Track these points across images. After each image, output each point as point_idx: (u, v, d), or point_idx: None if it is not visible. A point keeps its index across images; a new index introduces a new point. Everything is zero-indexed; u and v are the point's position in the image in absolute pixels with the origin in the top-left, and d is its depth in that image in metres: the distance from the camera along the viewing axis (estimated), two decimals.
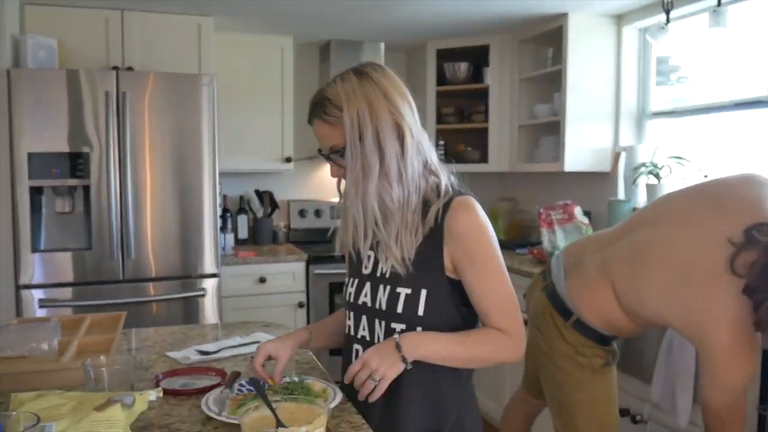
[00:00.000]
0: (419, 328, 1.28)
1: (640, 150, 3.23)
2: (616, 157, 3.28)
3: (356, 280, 1.40)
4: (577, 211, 3.01)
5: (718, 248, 1.50)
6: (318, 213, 4.05)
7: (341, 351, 1.47)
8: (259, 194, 3.93)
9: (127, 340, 1.85)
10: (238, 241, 3.81)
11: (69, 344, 1.53)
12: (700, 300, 1.53)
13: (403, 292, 1.29)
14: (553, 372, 1.90)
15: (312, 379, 1.39)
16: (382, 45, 3.90)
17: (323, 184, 4.14)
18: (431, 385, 1.32)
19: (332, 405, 1.26)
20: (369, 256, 1.38)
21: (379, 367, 1.21)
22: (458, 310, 1.30)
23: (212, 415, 1.21)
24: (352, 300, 1.40)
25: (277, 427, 1.04)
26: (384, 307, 1.32)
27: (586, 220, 2.96)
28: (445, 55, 3.89)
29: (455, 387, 1.34)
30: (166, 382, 1.43)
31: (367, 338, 1.36)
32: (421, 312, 1.28)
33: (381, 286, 1.33)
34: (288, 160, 3.73)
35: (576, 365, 1.85)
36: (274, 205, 3.94)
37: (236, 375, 1.42)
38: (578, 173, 3.47)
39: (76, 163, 2.90)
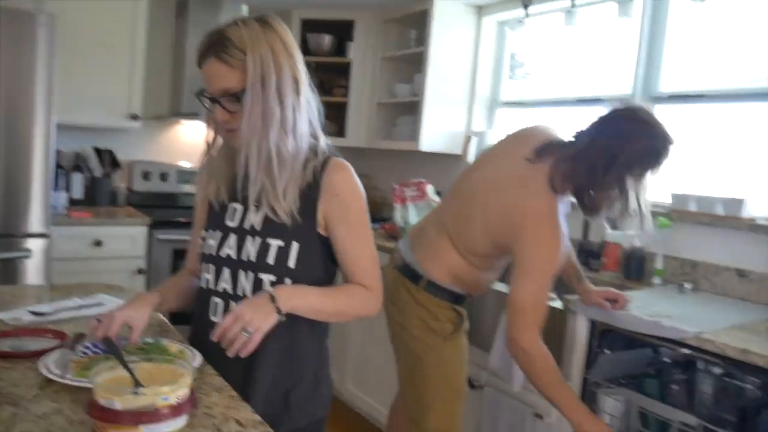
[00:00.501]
0: (288, 281, 1.28)
1: (490, 135, 3.39)
2: (468, 141, 3.42)
3: (219, 233, 1.35)
4: (430, 189, 3.11)
5: (518, 165, 1.80)
6: (164, 176, 3.80)
7: (184, 316, 1.43)
8: (99, 152, 3.60)
9: None
10: (73, 201, 3.47)
11: None
12: (512, 204, 1.75)
13: (275, 243, 1.28)
14: (407, 341, 1.96)
15: (168, 341, 1.29)
16: (245, 7, 3.73)
17: (172, 146, 3.89)
18: (290, 341, 1.31)
19: (195, 365, 1.18)
20: (235, 209, 1.34)
21: (253, 319, 1.16)
22: (325, 266, 1.33)
23: (53, 377, 1.08)
24: (213, 252, 1.34)
25: (136, 386, 0.95)
26: (253, 259, 1.29)
27: (437, 198, 3.06)
28: (309, 26, 3.81)
29: (313, 343, 1.36)
30: None
31: (229, 291, 1.32)
32: (292, 264, 1.28)
33: (249, 238, 1.30)
34: (134, 117, 3.44)
35: (429, 331, 1.92)
36: (115, 164, 3.63)
37: (79, 337, 1.28)
38: (433, 154, 3.58)
39: None
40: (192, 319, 1.41)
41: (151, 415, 0.91)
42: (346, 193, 1.30)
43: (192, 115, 3.60)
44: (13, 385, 1.08)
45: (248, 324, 1.16)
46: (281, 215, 1.27)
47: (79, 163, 3.55)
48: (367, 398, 3.09)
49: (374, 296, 1.33)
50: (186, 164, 3.87)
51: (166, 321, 1.54)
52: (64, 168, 3.44)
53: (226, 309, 1.31)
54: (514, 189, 1.76)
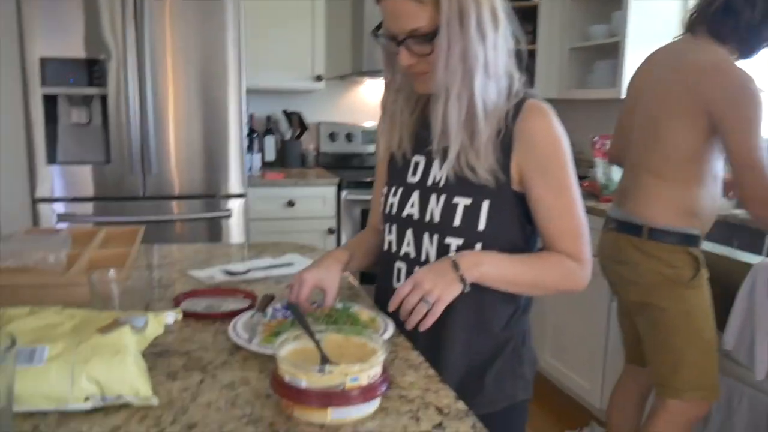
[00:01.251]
0: (478, 246, 1.09)
1: None
2: None
3: (400, 189, 1.19)
4: None
5: (676, 55, 1.79)
6: (349, 137, 3.79)
7: (371, 278, 1.31)
8: (288, 115, 3.67)
9: (146, 256, 1.65)
10: (265, 164, 3.59)
11: (79, 257, 1.32)
12: (693, 73, 1.69)
13: (462, 202, 1.10)
14: (645, 297, 1.78)
15: (358, 307, 1.17)
16: None
17: (355, 106, 3.86)
18: (483, 313, 1.14)
19: (387, 336, 1.05)
20: (418, 163, 1.18)
21: (434, 288, 1.00)
22: (522, 229, 1.12)
23: (241, 343, 1.01)
24: (394, 212, 1.20)
25: (323, 363, 0.83)
26: (437, 220, 1.13)
27: None
28: None
29: (511, 316, 1.17)
30: (188, 303, 1.23)
31: (412, 255, 1.17)
32: (481, 226, 1.09)
33: (434, 196, 1.13)
34: (318, 78, 3.44)
35: (666, 281, 1.74)
36: (303, 127, 3.69)
37: (270, 298, 1.21)
38: None
39: (92, 70, 2.67)
40: (376, 284, 1.29)
41: (341, 397, 0.79)
42: (545, 143, 1.08)
43: (374, 73, 3.51)
44: (203, 349, 1.02)
45: (428, 294, 1.00)
46: (481, 174, 1.08)
47: (270, 127, 3.65)
48: (568, 372, 2.85)
49: (581, 268, 1.11)
50: (369, 124, 3.83)
51: (355, 283, 1.44)
52: (257, 131, 3.55)
53: (410, 276, 1.17)
54: (687, 66, 1.71)
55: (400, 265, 1.19)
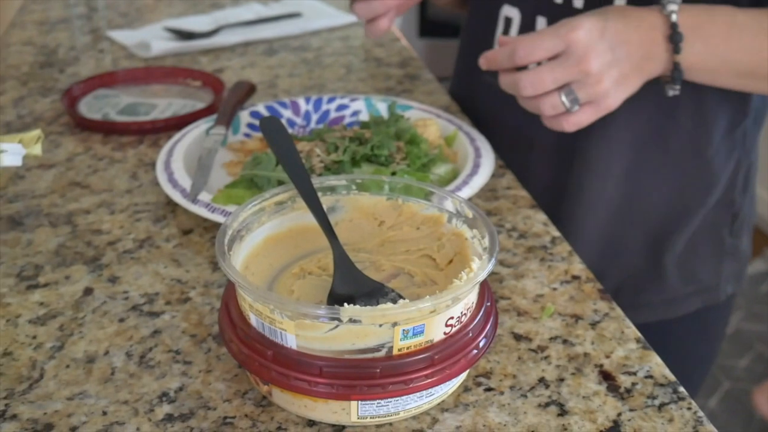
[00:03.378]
0: None
1: None
2: None
3: None
4: None
5: None
6: None
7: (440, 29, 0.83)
8: None
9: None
10: None
11: None
12: None
13: None
14: None
15: (417, 108, 0.66)
16: None
17: None
18: (666, 137, 0.61)
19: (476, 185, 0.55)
20: None
21: (606, 67, 0.49)
22: None
23: (177, 199, 0.53)
24: None
25: (336, 300, 0.36)
26: None
27: None
28: None
29: (730, 134, 0.63)
30: (90, 101, 0.73)
31: None
32: None
33: None
34: None
35: None
36: None
37: (247, 90, 0.70)
38: None
39: None
40: (458, 59, 0.77)
41: (380, 375, 0.34)
42: None
43: None
44: (104, 206, 0.56)
45: (585, 80, 0.49)
46: None
47: None
48: None
49: None
50: None
51: (401, 37, 0.91)
52: None
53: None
54: None
55: (511, 11, 0.65)
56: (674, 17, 0.50)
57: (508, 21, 0.65)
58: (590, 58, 0.48)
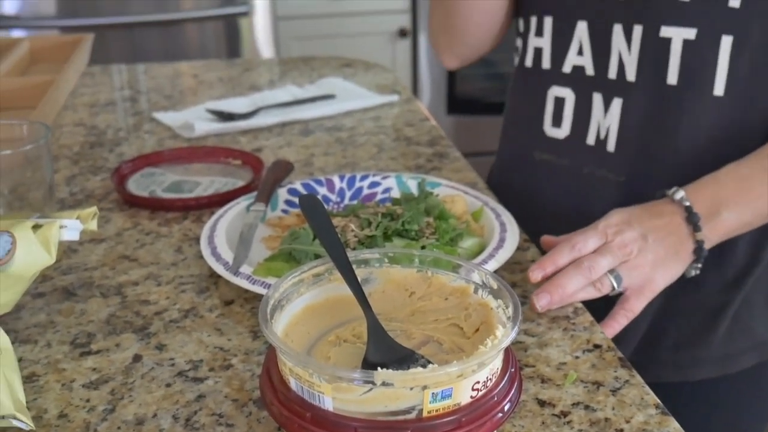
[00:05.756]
0: (726, 41, 0.61)
1: None
2: None
3: None
4: None
5: None
6: None
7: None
8: None
9: (110, 77, 1.20)
10: None
11: None
12: None
13: None
14: None
15: (445, 185, 0.71)
16: None
17: None
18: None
19: (501, 259, 0.59)
20: None
21: (640, 260, 0.56)
22: None
23: (220, 271, 0.58)
24: None
25: (374, 356, 0.40)
26: None
27: None
28: None
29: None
30: (138, 179, 0.79)
31: (589, 70, 0.68)
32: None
33: None
34: None
35: None
36: None
37: (285, 168, 0.76)
38: None
39: None
40: (502, 138, 0.82)
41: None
42: None
43: None
44: (155, 261, 0.61)
45: (623, 267, 0.56)
46: None
47: None
48: None
49: None
50: None
51: (434, 120, 0.97)
52: None
53: (584, 113, 0.69)
54: None
55: (563, 91, 0.71)
56: (687, 202, 0.57)
57: (559, 101, 0.70)
58: (627, 243, 0.55)
